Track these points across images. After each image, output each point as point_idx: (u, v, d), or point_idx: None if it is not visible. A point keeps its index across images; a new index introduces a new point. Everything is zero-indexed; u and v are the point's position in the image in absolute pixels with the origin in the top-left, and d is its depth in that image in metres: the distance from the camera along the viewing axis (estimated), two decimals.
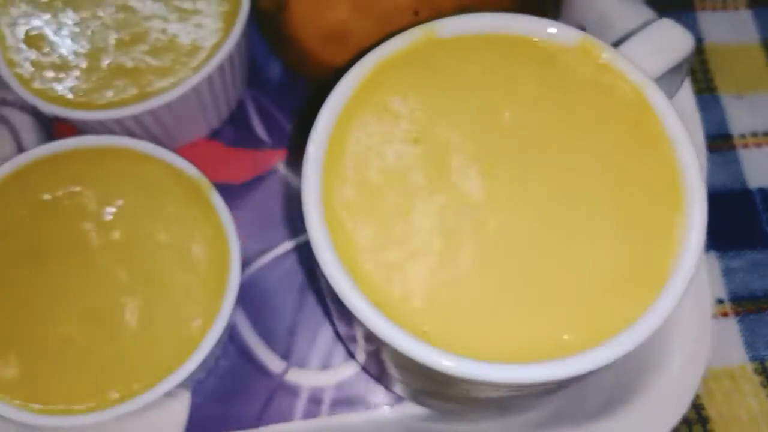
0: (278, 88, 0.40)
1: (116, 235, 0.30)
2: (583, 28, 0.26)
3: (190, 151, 0.38)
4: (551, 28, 0.26)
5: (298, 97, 0.39)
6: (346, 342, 0.32)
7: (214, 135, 0.39)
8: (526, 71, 0.25)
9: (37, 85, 0.33)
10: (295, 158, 0.38)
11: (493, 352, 0.22)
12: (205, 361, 0.29)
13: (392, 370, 0.27)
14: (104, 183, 0.31)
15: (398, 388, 0.30)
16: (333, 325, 0.34)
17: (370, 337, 0.23)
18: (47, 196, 0.31)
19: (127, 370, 0.28)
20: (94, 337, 0.29)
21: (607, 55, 0.25)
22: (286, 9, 0.31)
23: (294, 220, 0.37)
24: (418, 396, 0.29)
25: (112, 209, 0.31)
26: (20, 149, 0.38)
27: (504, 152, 0.24)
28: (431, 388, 0.26)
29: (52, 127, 0.39)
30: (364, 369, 0.33)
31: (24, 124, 0.39)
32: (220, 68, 0.34)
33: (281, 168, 0.38)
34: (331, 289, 0.22)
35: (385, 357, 0.25)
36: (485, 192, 0.24)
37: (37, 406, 0.27)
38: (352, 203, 0.24)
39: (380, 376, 0.30)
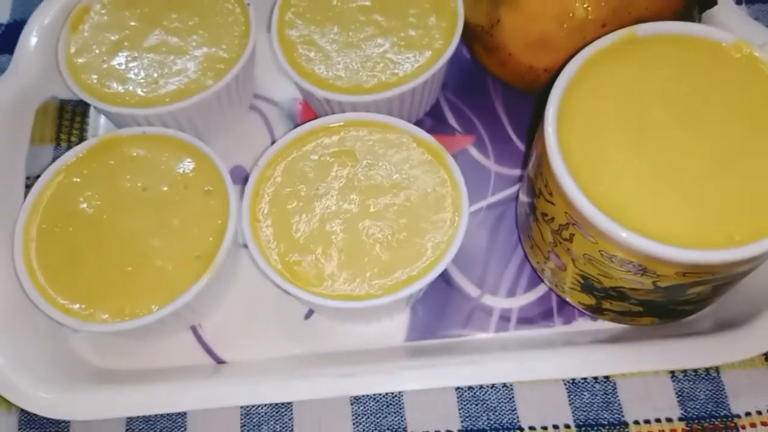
0: (464, 88, 0.52)
1: (369, 179, 0.41)
2: None
3: None
4: (716, 32, 0.37)
5: (480, 96, 0.51)
6: (539, 263, 0.42)
7: (416, 124, 0.50)
8: (699, 59, 0.36)
9: (311, 75, 0.45)
10: (481, 142, 0.49)
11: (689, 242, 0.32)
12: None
13: (586, 275, 0.37)
14: (366, 143, 0.42)
15: (582, 298, 0.40)
16: (527, 257, 0.44)
17: (596, 236, 0.33)
18: (326, 153, 0.42)
19: (391, 271, 0.39)
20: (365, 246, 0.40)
21: (750, 49, 0.36)
22: (499, 23, 0.43)
23: (481, 189, 0.48)
24: (600, 301, 0.39)
25: (368, 161, 0.42)
26: (270, 132, 0.50)
27: (690, 109, 0.35)
28: (627, 284, 0.36)
29: (295, 112, 0.51)
30: (551, 289, 0.43)
31: (271, 112, 0.51)
32: (440, 69, 0.45)
33: (470, 149, 0.49)
34: (566, 199, 0.33)
35: (591, 259, 0.35)
36: (677, 132, 0.34)
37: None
38: (582, 138, 0.34)
39: (563, 289, 0.40)
